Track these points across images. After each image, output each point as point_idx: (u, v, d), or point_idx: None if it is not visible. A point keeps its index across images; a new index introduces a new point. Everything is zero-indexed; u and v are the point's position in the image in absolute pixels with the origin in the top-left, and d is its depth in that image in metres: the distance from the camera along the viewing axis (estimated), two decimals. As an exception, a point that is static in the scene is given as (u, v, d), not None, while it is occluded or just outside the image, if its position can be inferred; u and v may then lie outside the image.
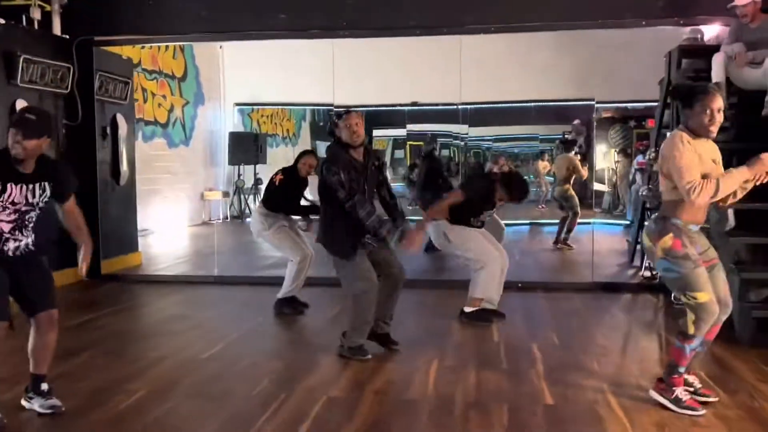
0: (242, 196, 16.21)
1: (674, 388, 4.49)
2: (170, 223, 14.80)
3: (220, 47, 17.53)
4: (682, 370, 4.50)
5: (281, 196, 7.26)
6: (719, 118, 4.31)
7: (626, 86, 15.23)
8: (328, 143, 5.74)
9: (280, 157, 16.73)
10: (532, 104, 15.88)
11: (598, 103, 16.53)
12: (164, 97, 15.08)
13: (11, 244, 4.46)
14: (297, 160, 7.35)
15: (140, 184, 12.59)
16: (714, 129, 4.34)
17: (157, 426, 4.35)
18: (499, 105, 15.76)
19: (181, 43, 14.84)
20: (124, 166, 10.04)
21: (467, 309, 6.90)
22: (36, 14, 8.55)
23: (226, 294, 8.35)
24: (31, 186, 4.43)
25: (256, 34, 8.91)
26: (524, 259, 10.78)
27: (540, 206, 16.08)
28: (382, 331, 5.89)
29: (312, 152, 7.48)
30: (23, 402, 4.60)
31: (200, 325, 6.93)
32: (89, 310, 7.56)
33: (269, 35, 8.91)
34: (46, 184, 4.49)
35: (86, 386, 5.04)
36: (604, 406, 4.61)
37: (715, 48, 7.35)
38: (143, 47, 13.67)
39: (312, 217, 7.24)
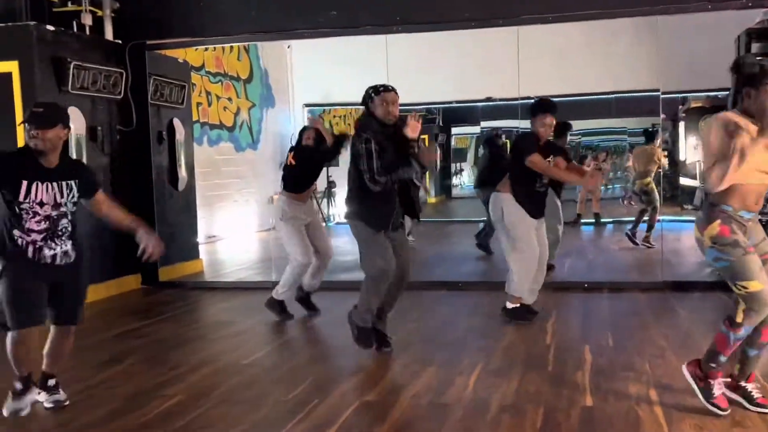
0: (315, 200, 16.42)
1: (710, 381, 4.43)
2: (239, 228, 15.11)
3: (288, 47, 17.90)
4: (723, 359, 4.41)
5: (301, 175, 7.33)
6: None
7: (711, 74, 14.93)
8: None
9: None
10: (612, 96, 15.67)
11: (681, 93, 16.24)
12: (230, 99, 15.42)
13: (47, 252, 4.62)
14: (300, 137, 7.47)
15: (207, 189, 12.97)
16: None
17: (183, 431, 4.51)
18: (577, 98, 15.55)
19: (239, 44, 15.10)
20: (183, 172, 10.31)
21: (508, 305, 6.96)
22: (87, 20, 8.87)
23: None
24: (57, 184, 4.59)
25: (307, 32, 9.06)
26: (596, 258, 10.71)
27: (624, 201, 15.87)
28: (377, 325, 6.01)
29: (312, 127, 7.56)
30: (35, 395, 4.87)
31: (246, 331, 7.11)
32: (139, 317, 7.85)
33: (320, 33, 9.03)
34: (73, 183, 4.66)
35: (123, 392, 5.24)
36: (645, 408, 4.59)
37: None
38: (206, 49, 14.03)
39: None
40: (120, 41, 9.30)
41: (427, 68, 15.97)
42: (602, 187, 16.07)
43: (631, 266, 10.53)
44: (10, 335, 4.63)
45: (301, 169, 7.34)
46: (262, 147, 16.61)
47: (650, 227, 11.47)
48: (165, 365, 5.92)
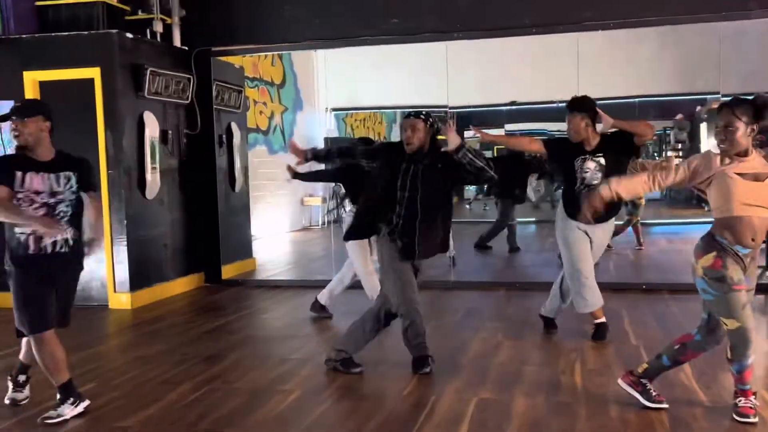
0: (338, 201, 16.36)
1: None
2: (273, 228, 15.09)
3: (315, 52, 17.85)
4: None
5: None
6: (725, 134, 4.21)
7: (736, 78, 14.98)
8: None
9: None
10: (637, 99, 15.62)
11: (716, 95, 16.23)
12: (265, 104, 15.38)
13: (47, 239, 4.56)
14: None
15: (247, 191, 12.91)
16: (723, 146, 4.24)
17: (319, 425, 4.50)
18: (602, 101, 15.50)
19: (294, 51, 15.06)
20: (239, 173, 10.30)
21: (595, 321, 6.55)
22: (158, 27, 8.85)
23: (344, 298, 7.82)
24: (53, 175, 4.55)
25: (369, 39, 8.98)
26: (640, 259, 10.72)
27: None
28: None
29: (368, 139, 7.52)
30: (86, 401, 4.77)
31: (330, 328, 7.11)
32: (218, 314, 7.86)
33: (382, 40, 8.95)
34: (71, 174, 4.63)
35: (244, 387, 5.25)
36: (764, 407, 4.54)
37: None
38: (244, 56, 13.95)
39: None
40: (186, 48, 9.29)
41: (448, 74, 15.93)
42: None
43: (676, 268, 10.30)
44: (32, 342, 4.59)
45: None
46: (292, 150, 16.53)
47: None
48: (270, 360, 5.93)
